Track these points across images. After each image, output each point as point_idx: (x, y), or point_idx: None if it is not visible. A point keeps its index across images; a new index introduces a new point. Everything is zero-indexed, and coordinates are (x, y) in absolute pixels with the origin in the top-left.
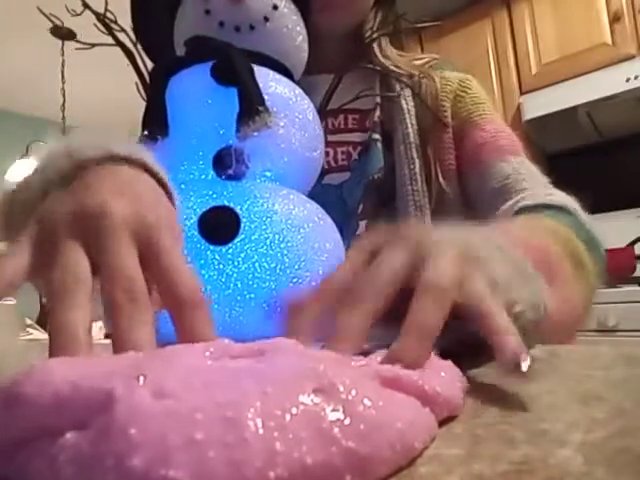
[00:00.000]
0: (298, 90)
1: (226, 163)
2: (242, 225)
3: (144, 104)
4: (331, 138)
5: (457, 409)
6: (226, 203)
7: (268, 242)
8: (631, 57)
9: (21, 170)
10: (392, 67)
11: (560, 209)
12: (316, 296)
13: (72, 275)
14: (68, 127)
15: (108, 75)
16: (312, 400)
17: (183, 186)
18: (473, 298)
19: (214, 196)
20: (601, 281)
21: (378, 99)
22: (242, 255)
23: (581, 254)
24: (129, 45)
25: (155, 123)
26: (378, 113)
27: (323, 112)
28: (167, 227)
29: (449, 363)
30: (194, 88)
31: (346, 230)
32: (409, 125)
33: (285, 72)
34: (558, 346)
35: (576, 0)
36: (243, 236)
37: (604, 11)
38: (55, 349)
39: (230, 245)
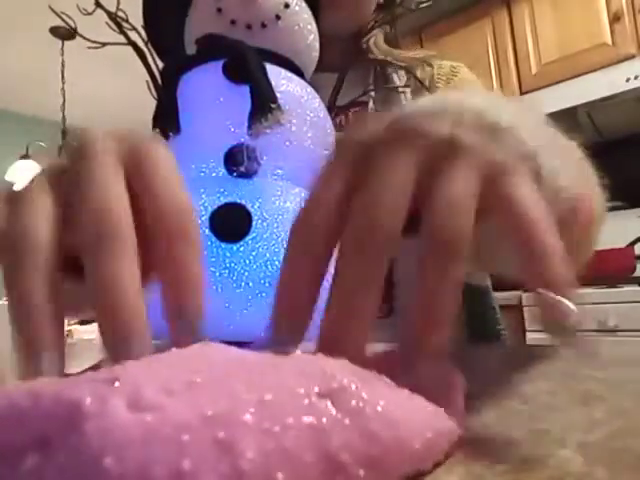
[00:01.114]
0: (309, 89)
1: (238, 160)
2: (254, 223)
3: (144, 103)
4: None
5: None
6: (238, 201)
7: (280, 240)
8: (631, 57)
9: (21, 170)
10: (391, 60)
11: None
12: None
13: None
14: (68, 127)
15: (108, 75)
16: (318, 410)
17: (194, 184)
18: (509, 206)
19: (225, 193)
20: (603, 208)
21: (372, 93)
22: (254, 253)
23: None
24: (140, 44)
25: (167, 120)
26: (372, 105)
27: (332, 111)
28: (164, 151)
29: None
30: (206, 86)
31: None
32: None
33: (296, 71)
34: (558, 346)
35: (576, 0)
36: (255, 234)
37: (604, 11)
38: (15, 322)
39: (241, 243)
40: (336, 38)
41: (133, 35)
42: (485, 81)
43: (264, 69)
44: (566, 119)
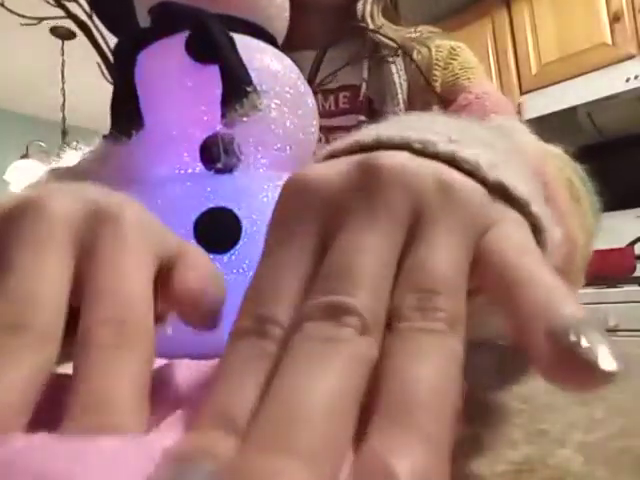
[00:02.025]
0: (286, 60)
1: (214, 154)
2: (243, 228)
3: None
4: (322, 122)
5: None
6: (222, 202)
7: None
8: (631, 57)
9: (21, 170)
10: (385, 40)
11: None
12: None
13: None
14: (68, 127)
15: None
16: None
17: (170, 184)
18: (498, 263)
19: (210, 196)
20: (596, 230)
21: (365, 75)
22: (247, 261)
23: (578, 188)
24: (84, 18)
25: (125, 115)
26: (364, 90)
27: (312, 89)
28: (132, 222)
29: None
30: (168, 66)
31: None
32: (401, 101)
33: (269, 39)
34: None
35: (576, 0)
36: (246, 239)
37: (604, 11)
38: None
39: (232, 252)
40: (321, 11)
41: (77, 10)
42: None
43: (233, 43)
44: (566, 119)
